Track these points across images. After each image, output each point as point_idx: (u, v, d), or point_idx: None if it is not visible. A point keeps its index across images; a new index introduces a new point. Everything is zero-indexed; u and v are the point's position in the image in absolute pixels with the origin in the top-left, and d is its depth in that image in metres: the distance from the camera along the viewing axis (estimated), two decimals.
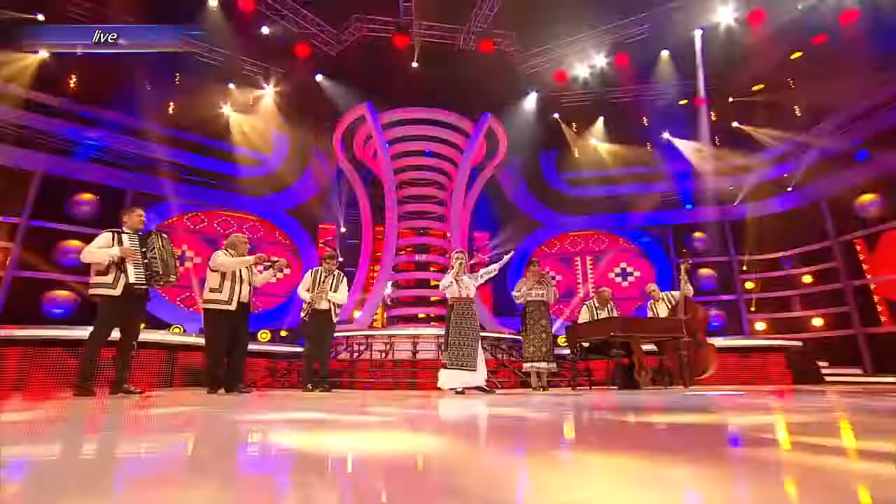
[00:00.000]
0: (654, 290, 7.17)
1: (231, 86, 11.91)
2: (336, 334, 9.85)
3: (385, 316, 12.80)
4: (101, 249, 4.22)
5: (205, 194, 12.15)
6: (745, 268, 13.39)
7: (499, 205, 15.45)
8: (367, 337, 9.45)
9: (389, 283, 12.84)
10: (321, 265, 6.12)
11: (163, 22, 9.88)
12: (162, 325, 10.21)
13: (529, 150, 14.86)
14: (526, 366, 6.02)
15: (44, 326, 6.51)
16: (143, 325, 4.79)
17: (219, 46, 10.83)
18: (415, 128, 12.82)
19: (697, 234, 13.96)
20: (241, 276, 5.16)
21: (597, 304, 6.71)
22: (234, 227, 12.91)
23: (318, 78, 12.49)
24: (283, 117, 12.92)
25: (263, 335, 11.69)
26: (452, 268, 5.43)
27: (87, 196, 9.80)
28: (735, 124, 13.60)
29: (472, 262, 6.50)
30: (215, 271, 5.13)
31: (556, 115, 14.49)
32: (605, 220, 14.43)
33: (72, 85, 9.78)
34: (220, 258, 4.48)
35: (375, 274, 13.27)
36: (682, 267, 7.00)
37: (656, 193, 14.39)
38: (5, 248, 9.01)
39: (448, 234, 12.95)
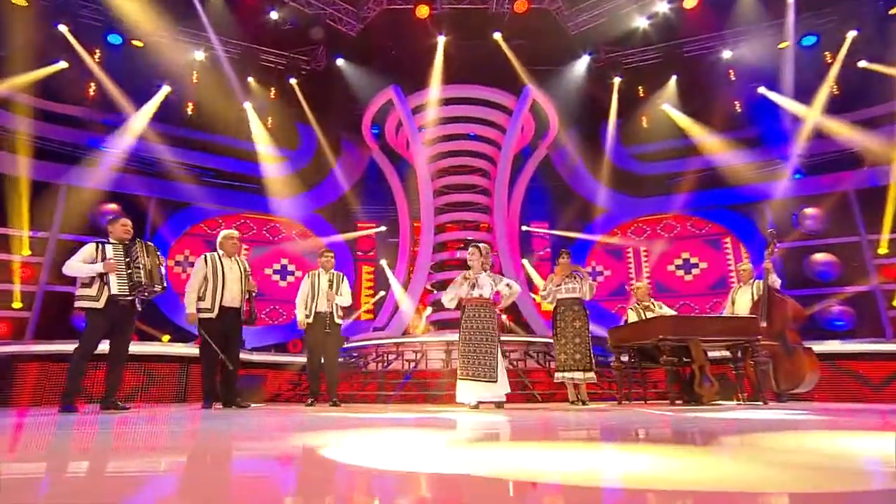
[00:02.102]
0: (744, 270, 6.41)
1: (250, 80, 12.45)
2: (364, 343, 10.07)
3: (425, 321, 12.74)
4: (83, 264, 4.52)
5: (229, 197, 12.80)
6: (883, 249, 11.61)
7: (556, 190, 14.83)
8: (397, 345, 9.41)
9: (430, 285, 12.77)
10: (318, 266, 6.17)
11: (165, 19, 10.55)
12: (191, 337, 10.89)
13: (586, 124, 14.09)
14: (557, 375, 5.72)
15: (59, 341, 7.15)
16: (132, 338, 5.04)
17: (232, 38, 11.38)
18: (449, 109, 12.63)
19: (809, 210, 12.38)
20: (223, 279, 5.28)
21: (637, 303, 6.24)
22: (258, 231, 13.51)
23: (339, 62, 12.69)
24: (307, 108, 13.28)
25: (294, 346, 12.12)
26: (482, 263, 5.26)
27: (112, 206, 10.71)
28: (862, 64, 11.80)
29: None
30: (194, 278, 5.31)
31: (616, 79, 13.57)
32: (684, 199, 13.28)
33: (91, 93, 10.77)
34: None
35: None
36: (767, 251, 6.18)
37: (751, 163, 13.00)
38: (37, 263, 10.10)
39: (490, 227, 12.62)
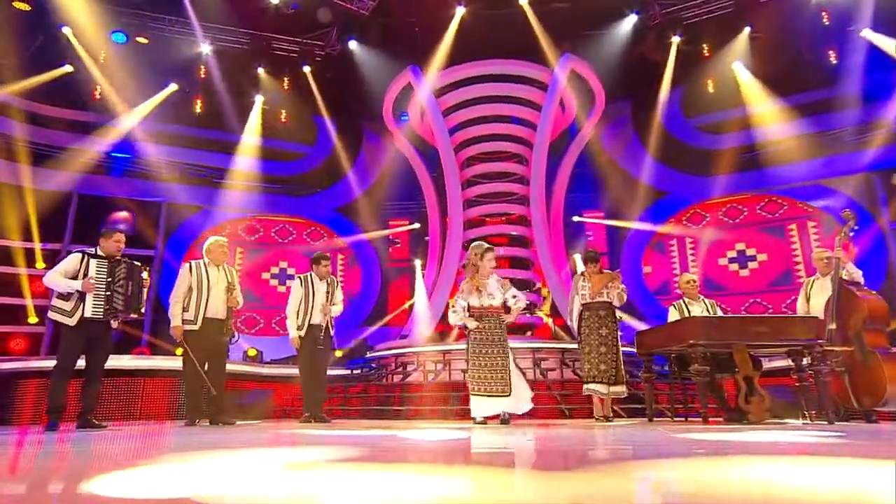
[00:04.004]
0: (823, 259, 5.81)
1: (260, 70, 12.90)
2: (385, 352, 10.16)
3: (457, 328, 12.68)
4: (63, 278, 4.78)
5: (244, 199, 13.32)
6: None
7: (610, 174, 14.30)
8: (417, 354, 9.44)
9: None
10: (311, 269, 6.24)
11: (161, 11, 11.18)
12: None
13: (641, 95, 13.48)
14: (584, 388, 5.59)
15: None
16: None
17: (238, 27, 11.84)
18: (477, 88, 12.51)
19: None
20: (208, 289, 5.48)
21: (686, 300, 5.83)
22: (277, 233, 13.98)
23: (353, 45, 12.86)
24: (324, 98, 13.58)
25: None
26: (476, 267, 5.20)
27: (123, 214, 11.51)
28: None
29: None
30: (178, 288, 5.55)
31: (675, 38, 12.82)
32: (760, 176, 12.36)
33: (97, 96, 11.61)
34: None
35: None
36: (839, 236, 5.59)
37: (851, 127, 11.89)
38: None
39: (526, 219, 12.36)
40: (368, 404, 8.73)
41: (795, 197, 12.33)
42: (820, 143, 11.96)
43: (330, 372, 10.13)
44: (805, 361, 5.04)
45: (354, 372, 10.43)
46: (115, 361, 8.31)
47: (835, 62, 12.26)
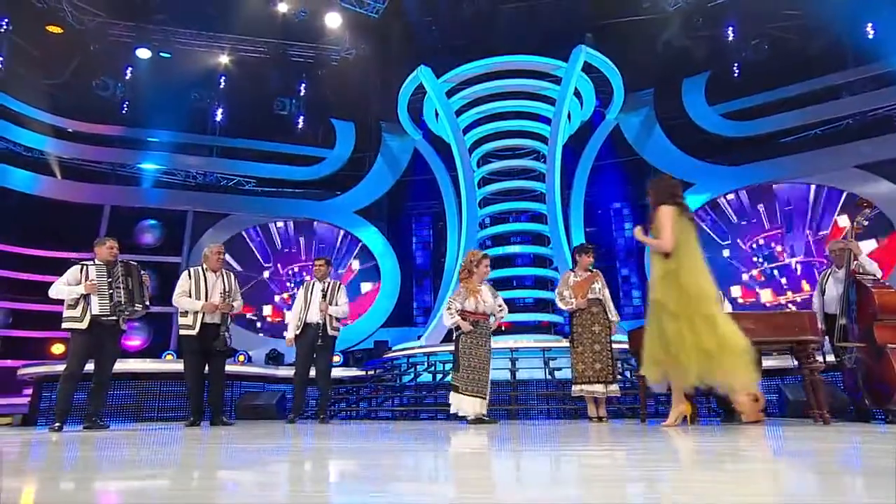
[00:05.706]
0: (835, 251, 5.53)
1: (276, 77, 13.23)
2: (398, 353, 10.22)
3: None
4: (66, 286, 5.08)
5: (263, 205, 13.75)
6: None
7: (635, 168, 13.94)
8: (427, 355, 9.46)
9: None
10: (315, 274, 6.38)
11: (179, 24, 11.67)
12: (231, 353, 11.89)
13: (663, 82, 13.05)
14: (575, 388, 5.55)
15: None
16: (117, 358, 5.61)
17: (256, 36, 12.22)
18: (490, 85, 12.36)
19: None
20: (206, 295, 5.66)
21: None
22: (295, 238, 14.27)
23: (365, 48, 13.00)
24: (339, 102, 13.81)
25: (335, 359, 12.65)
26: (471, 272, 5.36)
27: (151, 222, 12.07)
28: None
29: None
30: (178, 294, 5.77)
31: (699, 21, 12.35)
32: (790, 164, 11.75)
33: (125, 111, 12.26)
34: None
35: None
36: (851, 226, 5.28)
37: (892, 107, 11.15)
38: None
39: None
40: (377, 405, 8.82)
41: (834, 184, 11.65)
42: (860, 125, 11.27)
43: (346, 373, 10.46)
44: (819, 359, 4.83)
45: (369, 373, 10.55)
46: (136, 365, 8.83)
47: (871, 36, 11.53)
